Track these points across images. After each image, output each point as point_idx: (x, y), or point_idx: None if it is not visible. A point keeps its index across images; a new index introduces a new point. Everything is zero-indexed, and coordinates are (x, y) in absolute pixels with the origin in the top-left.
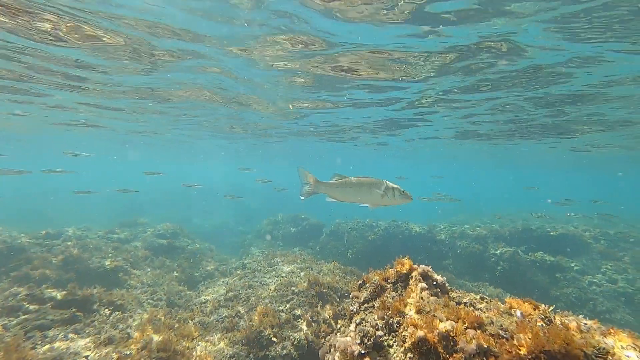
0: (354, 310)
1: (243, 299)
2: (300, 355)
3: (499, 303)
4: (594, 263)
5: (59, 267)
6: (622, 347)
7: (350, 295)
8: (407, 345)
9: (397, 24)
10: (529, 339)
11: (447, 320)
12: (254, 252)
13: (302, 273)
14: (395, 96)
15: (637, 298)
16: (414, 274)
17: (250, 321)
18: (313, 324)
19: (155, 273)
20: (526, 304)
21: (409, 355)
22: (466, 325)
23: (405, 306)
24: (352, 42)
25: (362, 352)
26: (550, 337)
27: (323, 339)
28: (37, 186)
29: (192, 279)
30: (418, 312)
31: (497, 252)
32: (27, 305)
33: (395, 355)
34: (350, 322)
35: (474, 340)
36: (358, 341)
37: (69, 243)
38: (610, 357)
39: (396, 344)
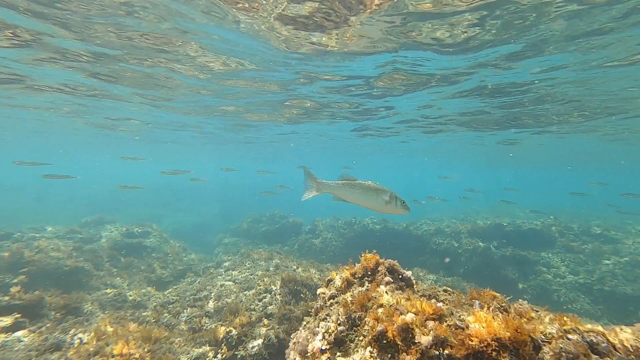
0: (319, 306)
1: (214, 298)
2: (270, 354)
3: (461, 295)
4: (558, 256)
5: (6, 269)
6: (565, 331)
7: (318, 292)
8: (367, 339)
9: None
10: (483, 327)
11: (407, 313)
12: (230, 250)
13: (277, 271)
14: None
15: (595, 288)
16: (380, 268)
17: (219, 320)
18: (285, 321)
19: (121, 274)
20: (485, 294)
21: (368, 349)
22: (426, 317)
23: (369, 300)
24: None
25: (323, 348)
26: (501, 325)
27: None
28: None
29: (162, 279)
30: (380, 306)
31: (470, 248)
32: None
33: (356, 349)
34: (315, 318)
35: (432, 332)
36: (319, 337)
37: (20, 243)
38: (554, 341)
39: (358, 338)
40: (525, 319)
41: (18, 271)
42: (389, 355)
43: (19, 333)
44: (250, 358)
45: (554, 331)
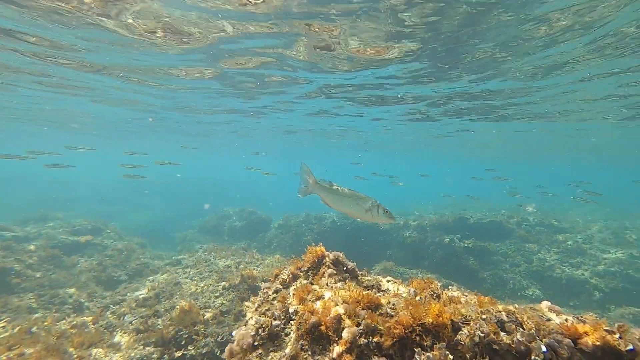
0: (261, 301)
1: (166, 297)
2: (223, 352)
3: (402, 283)
4: (515, 246)
5: None
6: (482, 312)
7: (262, 286)
8: (300, 332)
9: None
10: (409, 314)
11: (342, 303)
12: (193, 247)
13: (239, 267)
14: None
15: (546, 275)
16: (325, 260)
17: (169, 320)
18: (241, 318)
19: (62, 274)
20: (424, 282)
21: (300, 342)
22: (361, 306)
23: (309, 293)
24: None
25: (255, 343)
26: (425, 310)
27: None
28: None
29: (114, 278)
30: (319, 298)
31: (435, 240)
32: None
33: (289, 343)
34: (256, 313)
35: (363, 321)
36: (252, 333)
37: None
38: (472, 322)
39: (292, 332)
40: (454, 304)
41: None
42: (320, 347)
43: None
44: (201, 357)
45: (472, 313)
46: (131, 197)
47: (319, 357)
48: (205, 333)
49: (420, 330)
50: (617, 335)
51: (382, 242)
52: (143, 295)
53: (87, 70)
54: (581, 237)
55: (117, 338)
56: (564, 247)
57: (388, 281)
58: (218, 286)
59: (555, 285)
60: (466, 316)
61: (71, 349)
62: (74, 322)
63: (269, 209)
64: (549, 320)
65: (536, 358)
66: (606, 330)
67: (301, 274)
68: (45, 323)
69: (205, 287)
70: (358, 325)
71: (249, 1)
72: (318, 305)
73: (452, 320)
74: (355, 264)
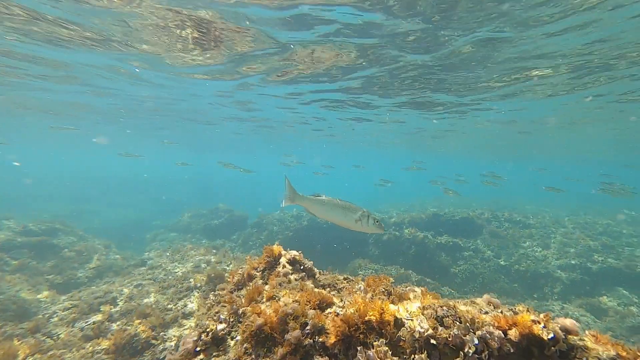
0: (211, 303)
1: (125, 300)
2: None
3: (359, 281)
4: (484, 242)
5: None
6: (424, 308)
7: (217, 288)
8: (246, 334)
9: None
10: (355, 312)
11: (292, 303)
12: (163, 247)
13: (208, 267)
14: None
15: (513, 269)
16: (281, 260)
17: (125, 324)
18: None
19: (6, 279)
20: (377, 279)
21: (245, 345)
22: (310, 306)
23: (259, 294)
24: None
25: (197, 349)
26: (371, 308)
27: None
28: None
29: (72, 281)
30: (269, 299)
31: (410, 237)
32: None
33: (234, 347)
34: (206, 317)
35: (310, 321)
36: (194, 338)
37: None
38: (414, 318)
39: (239, 335)
40: (403, 300)
41: None
42: (265, 350)
43: None
44: None
45: (415, 309)
46: (104, 195)
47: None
48: (165, 337)
49: (365, 329)
50: (541, 325)
51: (360, 239)
52: (98, 300)
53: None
54: (546, 232)
55: (62, 348)
56: (530, 242)
57: (345, 279)
58: (182, 287)
59: (522, 279)
60: (410, 312)
61: None
62: (9, 332)
63: (247, 208)
64: (486, 313)
65: (469, 350)
66: (532, 321)
67: (257, 273)
68: None
69: (168, 289)
70: (305, 325)
71: None
72: (265, 306)
73: (395, 316)
74: (312, 262)
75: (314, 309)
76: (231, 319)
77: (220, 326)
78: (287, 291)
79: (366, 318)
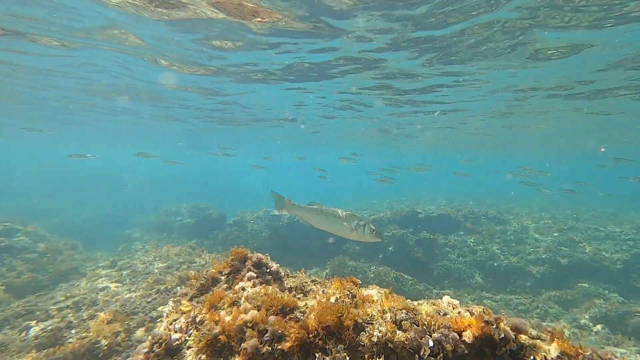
0: (169, 310)
1: (87, 305)
2: None
3: (327, 283)
4: (461, 238)
5: None
6: (383, 312)
7: (177, 293)
8: (202, 344)
9: None
10: (315, 317)
11: (252, 310)
12: (135, 247)
13: (180, 268)
14: None
15: (487, 264)
16: (247, 263)
17: (85, 331)
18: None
19: None
20: (342, 282)
21: (200, 355)
22: (272, 311)
23: (221, 300)
24: None
25: None
26: (329, 312)
27: None
28: None
29: (32, 284)
30: (230, 305)
31: (389, 234)
32: None
33: (189, 358)
34: (163, 325)
35: (270, 328)
36: (145, 350)
37: None
38: (374, 321)
39: (195, 344)
40: (367, 303)
41: None
42: (222, 359)
43: None
44: None
45: (375, 313)
46: (72, 191)
47: None
48: (130, 344)
49: (324, 334)
50: (494, 326)
51: (339, 237)
52: (57, 305)
53: None
54: (519, 228)
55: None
56: (504, 238)
57: (313, 282)
58: (151, 290)
59: (496, 273)
60: (371, 316)
61: None
62: None
63: (225, 206)
64: (445, 314)
65: (424, 353)
66: (485, 322)
67: (222, 277)
68: None
69: (135, 292)
70: (264, 332)
71: None
72: (226, 312)
73: (355, 321)
74: (278, 265)
75: (276, 314)
76: (189, 328)
77: (175, 336)
78: (250, 296)
79: (326, 323)
